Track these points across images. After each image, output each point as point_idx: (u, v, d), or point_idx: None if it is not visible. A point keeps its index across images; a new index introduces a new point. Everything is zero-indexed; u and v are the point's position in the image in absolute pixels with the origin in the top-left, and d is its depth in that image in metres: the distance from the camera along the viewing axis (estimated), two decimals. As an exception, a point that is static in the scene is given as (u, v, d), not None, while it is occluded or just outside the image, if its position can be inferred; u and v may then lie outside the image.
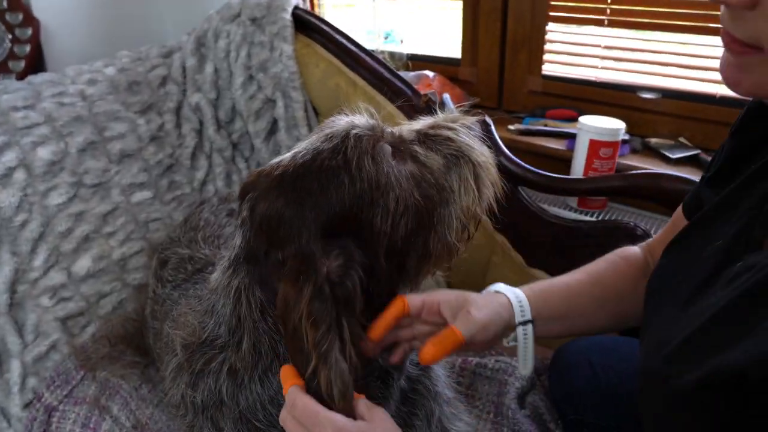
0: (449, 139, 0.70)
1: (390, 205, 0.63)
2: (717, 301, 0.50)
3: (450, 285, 1.33)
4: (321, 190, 0.61)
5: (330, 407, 0.57)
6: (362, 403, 0.60)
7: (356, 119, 0.68)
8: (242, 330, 0.66)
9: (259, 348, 0.66)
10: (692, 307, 0.54)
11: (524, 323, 0.73)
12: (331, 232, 0.61)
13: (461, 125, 0.72)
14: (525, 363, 0.74)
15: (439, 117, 0.75)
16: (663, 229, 0.82)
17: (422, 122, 0.74)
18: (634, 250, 0.82)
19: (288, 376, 0.61)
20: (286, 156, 0.65)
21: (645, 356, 0.59)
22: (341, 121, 0.68)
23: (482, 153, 0.72)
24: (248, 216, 0.65)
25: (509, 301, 0.73)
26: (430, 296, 0.70)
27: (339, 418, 0.57)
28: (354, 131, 0.64)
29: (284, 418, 0.60)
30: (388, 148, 0.66)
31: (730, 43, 0.50)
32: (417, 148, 0.69)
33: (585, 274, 0.80)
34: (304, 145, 0.65)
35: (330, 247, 0.61)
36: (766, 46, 0.47)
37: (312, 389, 0.59)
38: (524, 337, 0.73)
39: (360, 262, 0.62)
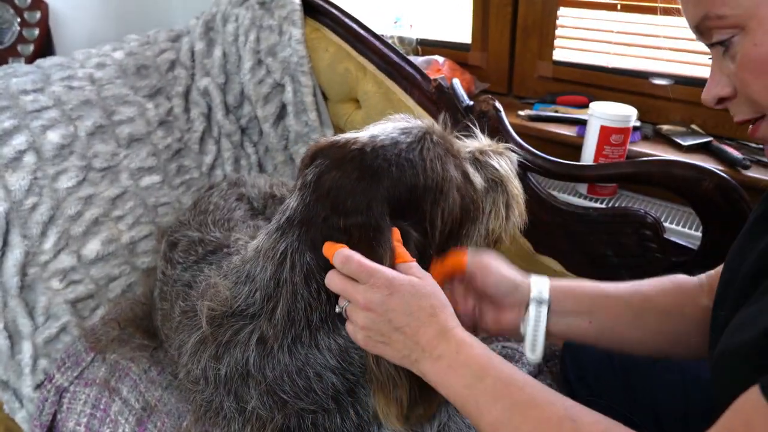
0: (493, 166, 0.80)
1: (445, 207, 0.71)
2: None
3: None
4: (397, 175, 0.67)
5: None
6: (415, 266, 0.66)
7: (435, 125, 0.76)
8: (279, 295, 0.69)
9: (293, 315, 0.68)
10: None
11: (539, 302, 0.73)
12: (395, 213, 0.67)
13: (505, 158, 0.83)
14: (533, 347, 0.73)
15: (487, 143, 0.85)
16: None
17: (473, 144, 0.83)
18: (687, 276, 0.78)
19: (331, 246, 0.66)
20: (363, 135, 0.70)
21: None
22: (417, 121, 0.75)
23: (517, 187, 0.82)
24: (314, 180, 0.68)
25: (529, 280, 0.75)
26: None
27: (390, 271, 0.63)
28: (433, 136, 0.72)
29: (331, 277, 0.65)
30: (452, 160, 0.74)
31: (740, 123, 0.58)
32: (468, 165, 0.77)
33: (625, 283, 0.78)
34: (379, 130, 0.71)
35: (393, 224, 0.67)
36: (764, 111, 0.55)
37: None
38: (536, 316, 0.73)
39: (416, 242, 0.69)
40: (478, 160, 0.80)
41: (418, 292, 0.63)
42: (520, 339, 0.75)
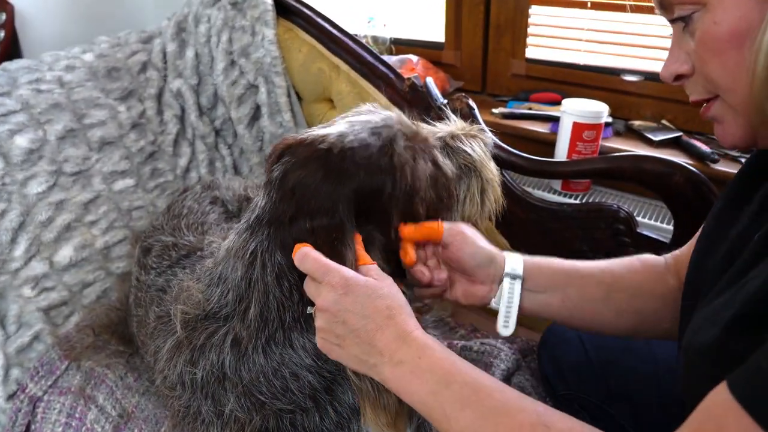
0: (465, 152, 0.77)
1: (414, 207, 0.70)
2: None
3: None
4: (364, 180, 0.66)
5: None
6: (373, 269, 0.64)
7: (403, 121, 0.73)
8: (251, 296, 0.68)
9: (266, 315, 0.68)
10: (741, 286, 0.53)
11: (513, 277, 0.74)
12: (360, 215, 0.67)
13: (479, 141, 0.80)
14: (506, 322, 0.74)
15: (459, 126, 0.81)
16: (689, 242, 0.77)
17: (445, 129, 0.80)
18: (654, 256, 0.80)
19: (297, 247, 0.65)
20: (331, 132, 0.68)
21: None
22: (384, 113, 0.73)
23: (492, 171, 0.79)
24: (279, 178, 0.68)
25: (504, 255, 0.75)
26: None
27: (348, 270, 0.62)
28: (403, 142, 0.70)
29: (306, 280, 0.65)
30: (422, 158, 0.72)
31: (695, 105, 0.61)
32: (438, 153, 0.75)
33: (596, 262, 0.79)
34: (348, 127, 0.69)
35: (358, 226, 0.67)
36: (717, 92, 0.56)
37: None
38: (509, 290, 0.74)
39: (380, 245, 0.68)
40: (450, 146, 0.77)
41: (374, 293, 0.61)
42: (491, 313, 0.75)
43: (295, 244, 0.65)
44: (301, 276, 0.66)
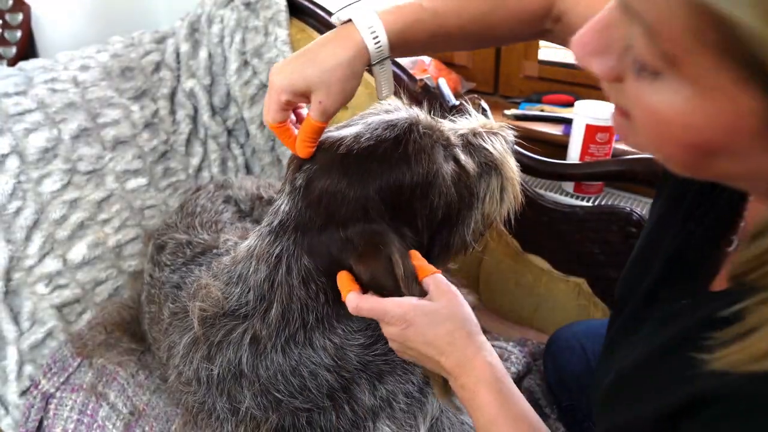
0: (486, 149, 0.77)
1: (433, 199, 0.70)
2: (642, 346, 0.52)
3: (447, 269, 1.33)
4: (383, 177, 0.67)
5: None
6: (439, 278, 0.65)
7: (420, 114, 0.73)
8: (273, 297, 0.69)
9: (288, 316, 0.69)
10: (621, 349, 0.57)
11: (381, 62, 0.70)
12: (388, 214, 0.67)
13: (500, 138, 0.79)
14: (381, 91, 0.74)
15: (480, 123, 0.80)
16: None
17: (466, 125, 0.79)
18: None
19: (345, 283, 0.66)
20: (347, 134, 0.69)
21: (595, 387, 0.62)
22: (402, 111, 0.73)
23: (512, 168, 0.78)
24: (303, 187, 0.68)
25: (364, 45, 0.67)
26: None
27: (403, 303, 0.63)
28: (419, 126, 0.70)
29: (359, 307, 0.66)
30: (441, 150, 0.72)
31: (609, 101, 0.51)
32: (459, 152, 0.75)
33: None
34: (362, 128, 0.69)
35: (391, 227, 0.67)
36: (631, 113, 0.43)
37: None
38: (382, 72, 0.71)
39: (411, 242, 0.69)
40: (471, 143, 0.77)
41: (432, 320, 0.63)
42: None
43: (338, 273, 0.67)
44: (331, 279, 0.67)
